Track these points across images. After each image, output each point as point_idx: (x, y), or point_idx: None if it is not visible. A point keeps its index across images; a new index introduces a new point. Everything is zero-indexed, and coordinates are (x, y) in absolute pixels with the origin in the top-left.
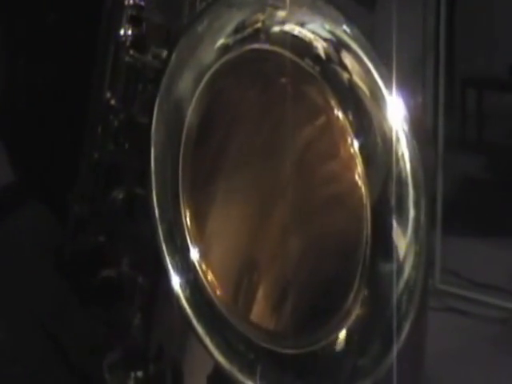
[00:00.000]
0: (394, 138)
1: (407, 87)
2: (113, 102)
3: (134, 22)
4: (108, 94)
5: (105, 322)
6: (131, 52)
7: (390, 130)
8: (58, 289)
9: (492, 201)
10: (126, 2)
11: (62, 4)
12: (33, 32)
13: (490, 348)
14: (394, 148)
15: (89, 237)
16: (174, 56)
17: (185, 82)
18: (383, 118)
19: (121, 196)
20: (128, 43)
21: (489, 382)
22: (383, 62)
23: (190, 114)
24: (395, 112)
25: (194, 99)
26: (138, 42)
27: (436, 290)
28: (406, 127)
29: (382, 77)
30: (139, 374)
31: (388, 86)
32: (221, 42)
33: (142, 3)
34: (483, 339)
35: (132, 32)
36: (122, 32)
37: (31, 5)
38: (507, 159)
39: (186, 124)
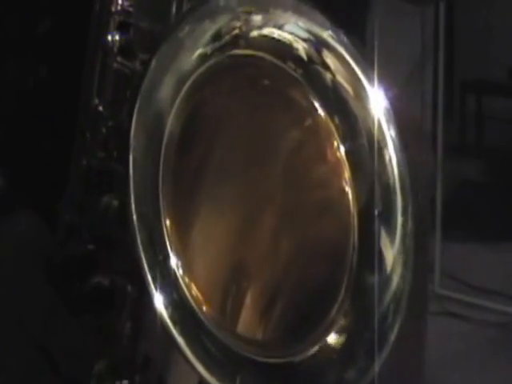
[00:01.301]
0: (375, 132)
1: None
2: (101, 108)
3: (122, 28)
4: (96, 101)
5: (93, 331)
6: (119, 58)
7: (377, 133)
8: (47, 297)
9: (491, 205)
10: (114, 8)
11: (50, 10)
12: (21, 38)
13: (490, 352)
14: (381, 153)
15: (78, 245)
16: (154, 62)
17: (165, 89)
18: (368, 117)
19: (110, 203)
20: (116, 49)
21: None
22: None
23: (171, 122)
24: (380, 110)
25: (175, 107)
26: (126, 49)
27: (435, 294)
28: (393, 131)
29: (365, 75)
30: (125, 383)
31: (372, 83)
32: (199, 52)
33: (130, 9)
34: (482, 343)
35: (120, 38)
36: (109, 38)
37: (20, 12)
38: (507, 163)
39: (167, 132)
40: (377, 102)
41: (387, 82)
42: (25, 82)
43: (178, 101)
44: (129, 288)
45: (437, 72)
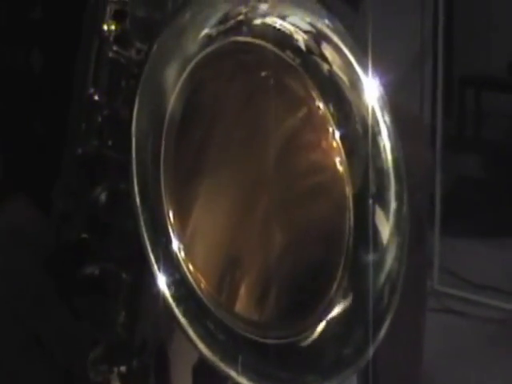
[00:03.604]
0: (369, 122)
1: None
2: (96, 97)
3: (118, 17)
4: (91, 90)
5: (88, 318)
6: (115, 47)
7: (371, 120)
8: (40, 284)
9: (491, 201)
10: None
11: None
12: (16, 27)
13: (489, 348)
14: (376, 140)
15: (72, 232)
16: (156, 46)
17: (168, 72)
18: (363, 106)
19: (105, 191)
20: (112, 39)
21: (487, 382)
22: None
23: (172, 105)
24: (374, 98)
25: (177, 90)
26: (122, 38)
27: (434, 290)
28: (387, 118)
29: (362, 67)
30: (122, 369)
31: (367, 74)
32: (205, 32)
33: None
34: (482, 340)
35: (116, 27)
36: (105, 27)
37: (15, 0)
38: (506, 158)
39: (168, 114)
40: (371, 89)
41: (386, 76)
42: (20, 70)
43: (180, 83)
44: (123, 275)
45: (436, 67)
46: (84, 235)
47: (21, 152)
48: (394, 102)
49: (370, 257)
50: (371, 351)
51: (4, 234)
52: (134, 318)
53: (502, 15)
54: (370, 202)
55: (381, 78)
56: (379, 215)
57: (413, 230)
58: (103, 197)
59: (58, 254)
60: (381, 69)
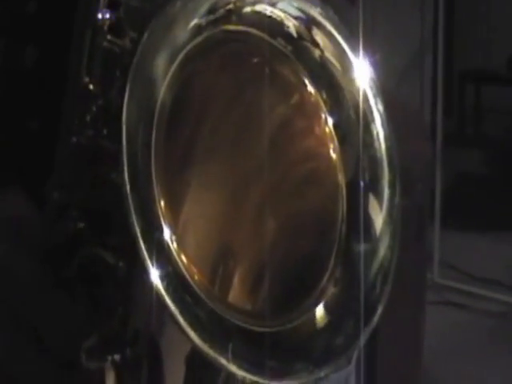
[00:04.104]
0: (360, 105)
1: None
2: (91, 86)
3: (112, 6)
4: (86, 79)
5: (83, 307)
6: (109, 37)
7: (364, 107)
8: (34, 273)
9: (490, 195)
10: None
11: None
12: (10, 17)
13: (489, 341)
14: (369, 127)
15: (68, 223)
16: (146, 35)
17: (158, 62)
18: (356, 92)
19: (100, 181)
20: (106, 28)
21: (487, 376)
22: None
23: (163, 95)
24: (365, 81)
25: (167, 79)
26: (116, 27)
27: (434, 283)
28: (380, 107)
29: (353, 52)
30: (116, 357)
31: (357, 56)
32: (194, 22)
33: None
34: (482, 333)
35: (110, 16)
36: (99, 16)
37: None
38: (506, 153)
39: (159, 104)
40: (361, 71)
41: (378, 61)
42: (13, 60)
43: (170, 72)
44: (120, 264)
45: (436, 62)
46: (80, 225)
47: (15, 144)
48: (393, 96)
49: (367, 245)
50: (362, 341)
51: (0, 226)
52: (128, 307)
53: (502, 10)
54: (362, 185)
55: (372, 61)
56: (372, 204)
57: (413, 223)
58: (98, 186)
59: (55, 244)
60: (380, 63)
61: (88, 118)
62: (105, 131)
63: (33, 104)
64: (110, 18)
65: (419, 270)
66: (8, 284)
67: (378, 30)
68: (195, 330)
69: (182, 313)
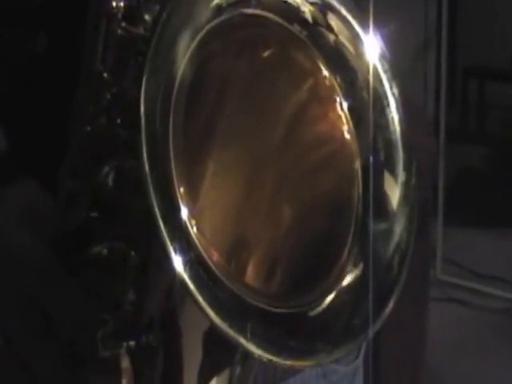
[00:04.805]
0: (371, 82)
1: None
2: (105, 74)
3: None
4: (100, 67)
5: (98, 296)
6: (123, 24)
7: (376, 87)
8: (52, 264)
9: (493, 191)
10: None
11: None
12: (22, 5)
13: (492, 338)
14: (371, 93)
15: (81, 212)
16: (165, 14)
17: (178, 41)
18: (369, 74)
19: (113, 169)
20: (120, 15)
21: (490, 372)
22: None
23: (181, 74)
24: (376, 57)
25: (186, 58)
26: (130, 14)
27: (437, 280)
28: (395, 90)
29: (365, 33)
30: (131, 343)
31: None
32: (216, 2)
33: None
34: (484, 329)
35: (124, 4)
36: (113, 4)
37: None
38: (508, 149)
39: (177, 83)
40: (372, 48)
41: (390, 38)
42: (25, 49)
43: (189, 51)
44: (132, 253)
45: (439, 58)
46: (93, 214)
47: (28, 133)
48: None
49: (384, 224)
50: (374, 327)
51: (13, 215)
52: (142, 295)
53: (506, 6)
54: (371, 160)
55: (382, 38)
56: (388, 183)
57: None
58: (111, 175)
59: (67, 233)
60: (393, 40)
61: (102, 105)
62: (119, 120)
63: (47, 91)
64: (124, 6)
65: (422, 267)
66: (22, 272)
67: (382, 26)
68: (214, 309)
69: (201, 293)
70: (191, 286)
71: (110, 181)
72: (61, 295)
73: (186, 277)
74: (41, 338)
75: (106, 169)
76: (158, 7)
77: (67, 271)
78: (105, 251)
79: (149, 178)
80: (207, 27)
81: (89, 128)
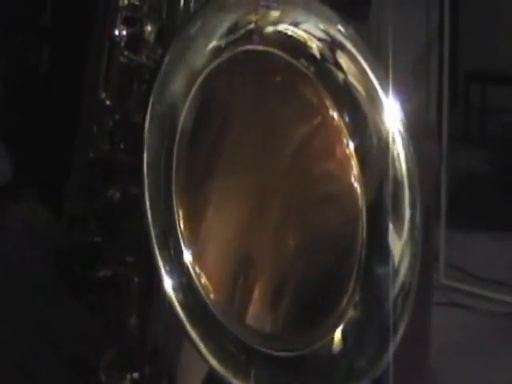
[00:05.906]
0: (390, 140)
1: (409, 82)
2: (108, 102)
3: (129, 22)
4: (103, 94)
5: (101, 321)
6: (126, 52)
7: (386, 131)
8: (55, 285)
9: (496, 195)
10: (121, 3)
11: (56, 3)
12: (27, 33)
13: (494, 342)
14: (390, 150)
15: (84, 236)
16: (166, 59)
17: (178, 85)
18: (379, 118)
19: (116, 195)
20: (123, 44)
21: (493, 376)
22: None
23: (184, 117)
24: (391, 114)
25: (188, 102)
26: (133, 43)
27: (440, 284)
28: (402, 128)
29: (377, 78)
30: (135, 375)
31: (384, 86)
32: (213, 44)
33: (137, 3)
34: (487, 334)
35: (127, 33)
36: (116, 32)
37: (26, 4)
38: (511, 153)
39: (180, 127)
40: (391, 108)
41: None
42: (30, 74)
43: (191, 95)
44: (136, 278)
45: (442, 62)
46: (97, 239)
47: (33, 153)
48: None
49: (388, 268)
50: (388, 360)
51: (17, 234)
52: (145, 322)
53: (508, 10)
54: (387, 216)
55: (400, 99)
56: (393, 226)
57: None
58: (115, 200)
59: (69, 255)
60: (387, 64)
61: (105, 131)
62: (122, 145)
63: (52, 117)
64: (126, 35)
65: (425, 271)
66: (26, 292)
67: (384, 30)
68: (217, 358)
69: (202, 339)
70: (193, 333)
71: (114, 205)
72: (66, 318)
73: (178, 307)
74: (46, 356)
75: (110, 193)
76: (158, 39)
77: (71, 293)
78: (109, 275)
79: (150, 217)
80: (207, 70)
81: (92, 153)
